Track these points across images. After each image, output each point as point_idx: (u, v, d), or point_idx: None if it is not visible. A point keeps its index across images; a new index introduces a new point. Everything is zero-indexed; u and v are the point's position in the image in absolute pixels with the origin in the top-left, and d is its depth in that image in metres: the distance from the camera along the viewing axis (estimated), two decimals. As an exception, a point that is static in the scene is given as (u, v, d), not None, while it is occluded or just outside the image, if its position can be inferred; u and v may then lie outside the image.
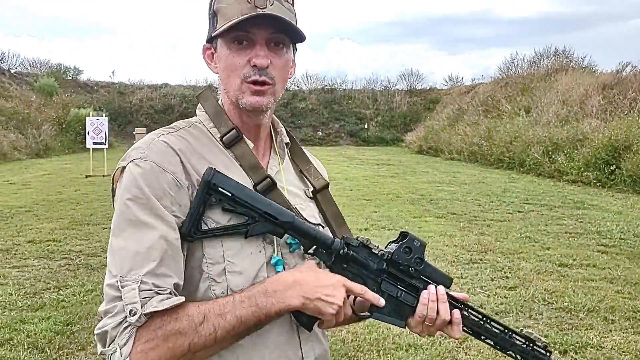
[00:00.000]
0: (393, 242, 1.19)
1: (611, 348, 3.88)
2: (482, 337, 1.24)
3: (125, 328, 0.95)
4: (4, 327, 4.13)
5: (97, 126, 15.06)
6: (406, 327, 1.21)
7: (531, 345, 1.24)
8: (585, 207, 9.72)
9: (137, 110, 30.56)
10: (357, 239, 1.16)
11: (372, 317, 1.18)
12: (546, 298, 4.91)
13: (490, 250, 6.60)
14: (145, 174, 1.04)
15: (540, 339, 1.24)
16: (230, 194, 1.07)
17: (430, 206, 9.78)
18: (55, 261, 6.06)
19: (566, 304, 4.75)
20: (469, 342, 3.99)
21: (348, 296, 1.12)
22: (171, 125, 1.18)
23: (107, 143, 15.48)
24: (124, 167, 1.08)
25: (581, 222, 8.35)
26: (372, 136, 31.24)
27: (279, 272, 1.11)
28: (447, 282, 1.22)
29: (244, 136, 1.18)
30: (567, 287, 5.18)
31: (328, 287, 1.06)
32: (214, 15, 1.13)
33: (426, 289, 1.19)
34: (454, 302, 1.22)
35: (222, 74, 1.15)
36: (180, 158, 1.08)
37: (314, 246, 1.14)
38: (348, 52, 60.89)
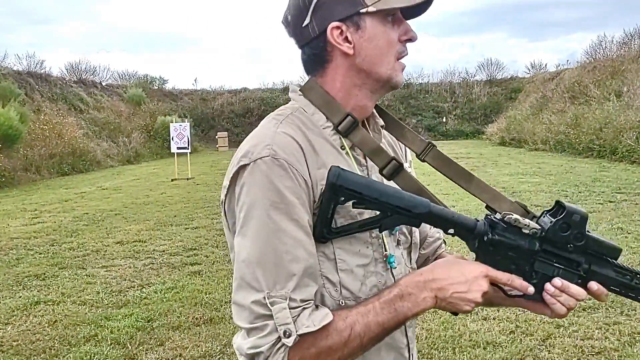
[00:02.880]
0: (548, 212, 1.06)
1: None
2: None
3: (279, 348, 0.94)
4: (90, 324, 4.36)
5: (180, 132, 15.66)
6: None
7: None
8: (686, 194, 8.96)
9: (219, 115, 31.60)
10: (503, 218, 1.04)
11: (524, 298, 1.06)
12: (640, 293, 4.54)
13: (578, 243, 6.21)
14: (279, 174, 0.97)
15: None
16: (358, 193, 1.01)
17: (512, 198, 9.31)
18: (140, 260, 6.35)
19: (663, 299, 4.37)
20: (553, 339, 3.77)
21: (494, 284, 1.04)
22: (279, 112, 1.11)
23: (190, 147, 16.05)
24: (246, 165, 0.99)
25: (681, 211, 7.70)
26: (450, 130, 30.49)
27: (391, 266, 1.09)
28: (614, 253, 1.05)
29: None
30: (664, 281, 4.77)
31: (463, 284, 1.00)
32: None
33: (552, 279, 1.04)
34: (623, 271, 1.06)
35: (376, 51, 1.07)
36: (304, 153, 1.03)
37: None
38: (424, 46, 59.78)
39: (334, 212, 1.02)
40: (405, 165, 1.19)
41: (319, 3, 1.06)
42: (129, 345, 3.95)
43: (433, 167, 1.18)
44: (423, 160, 1.19)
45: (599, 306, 4.31)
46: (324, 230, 1.01)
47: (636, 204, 8.38)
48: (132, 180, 15.24)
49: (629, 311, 4.19)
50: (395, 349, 1.13)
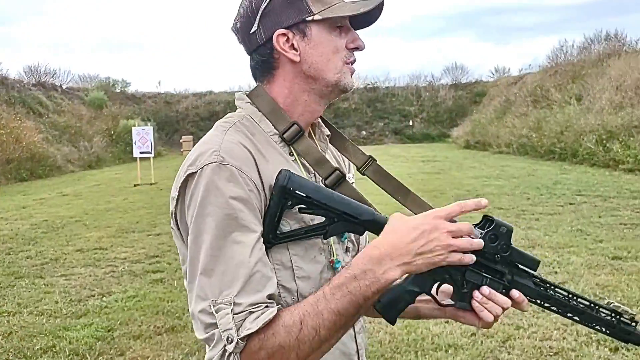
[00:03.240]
0: (476, 226, 1.08)
1: (668, 345, 3.63)
2: (569, 315, 1.14)
3: (229, 356, 0.91)
4: (48, 335, 4.23)
5: (142, 136, 15.42)
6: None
7: (617, 317, 1.15)
8: (642, 196, 9.24)
9: (183, 119, 31.24)
10: None
11: (456, 306, 1.07)
12: (597, 293, 4.65)
13: (539, 244, 6.34)
14: (227, 180, 0.96)
15: (628, 311, 1.15)
16: (307, 197, 1.01)
17: (476, 201, 9.51)
18: (100, 269, 6.20)
19: (619, 298, 4.48)
20: (512, 341, 3.82)
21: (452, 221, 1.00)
22: (226, 120, 1.11)
23: (153, 152, 15.82)
24: (193, 172, 0.98)
25: (637, 212, 7.93)
26: (417, 133, 30.84)
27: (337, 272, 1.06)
28: (534, 265, 1.10)
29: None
30: (620, 281, 4.90)
31: (422, 236, 0.95)
32: None
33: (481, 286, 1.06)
34: (541, 283, 1.12)
35: (322, 57, 1.08)
36: (254, 159, 1.02)
37: None
38: (391, 49, 60.43)
39: (281, 216, 1.01)
40: (349, 176, 1.20)
41: (266, 10, 1.07)
42: (88, 356, 3.85)
43: (372, 180, 1.19)
44: (363, 174, 1.20)
45: (558, 307, 4.39)
46: (270, 235, 1.00)
47: (595, 206, 8.61)
48: (93, 186, 14.93)
49: (586, 311, 4.28)
50: (346, 355, 1.12)
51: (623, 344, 3.62)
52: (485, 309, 1.04)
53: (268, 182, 1.02)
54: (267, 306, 0.93)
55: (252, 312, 0.92)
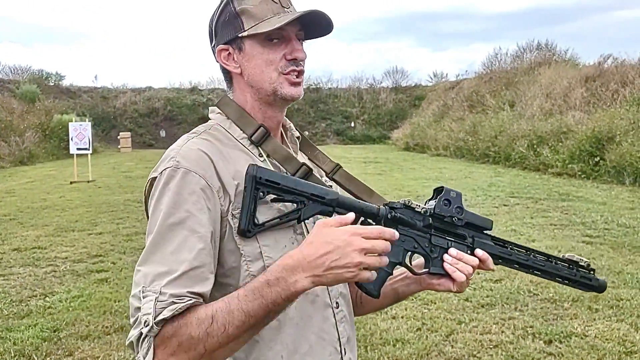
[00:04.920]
0: (430, 199, 1.22)
1: (595, 336, 3.94)
2: (530, 270, 1.26)
3: (144, 338, 0.97)
4: (-10, 336, 4.10)
5: (80, 131, 14.93)
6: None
7: (575, 267, 1.28)
8: (570, 198, 9.82)
9: (121, 115, 30.36)
10: (399, 201, 1.19)
11: (430, 271, 1.20)
12: (531, 289, 4.96)
13: (477, 244, 6.64)
14: (180, 183, 1.06)
15: (582, 259, 1.28)
16: (277, 184, 1.10)
17: (417, 202, 9.81)
18: (41, 268, 6.02)
19: (551, 294, 4.80)
20: (455, 335, 4.03)
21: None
22: (193, 131, 1.20)
23: (91, 148, 15.34)
24: (154, 177, 1.10)
25: (566, 213, 8.44)
26: (358, 134, 31.29)
27: None
28: (488, 225, 1.23)
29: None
30: (552, 278, 5.23)
31: (334, 251, 0.99)
32: (236, 17, 1.17)
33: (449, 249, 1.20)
34: (498, 242, 1.25)
35: (256, 69, 1.18)
36: (212, 161, 1.11)
37: (361, 218, 1.15)
38: (333, 51, 60.95)
39: (255, 207, 1.09)
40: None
41: (217, 27, 1.21)
42: (34, 356, 3.77)
43: (340, 183, 1.32)
44: (332, 179, 1.33)
45: (495, 303, 4.66)
46: (249, 225, 1.08)
47: (527, 207, 9.09)
48: (26, 183, 14.33)
49: (522, 307, 4.57)
50: (326, 341, 1.19)
51: (555, 336, 3.91)
52: (457, 269, 1.17)
53: (229, 181, 1.11)
54: (190, 299, 0.99)
55: (175, 303, 0.98)
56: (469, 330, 4.12)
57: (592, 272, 1.29)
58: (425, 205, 1.21)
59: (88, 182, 13.77)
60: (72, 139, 14.95)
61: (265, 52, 1.17)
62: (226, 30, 1.19)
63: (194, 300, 1.00)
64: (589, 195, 10.13)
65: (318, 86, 34.31)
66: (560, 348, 3.78)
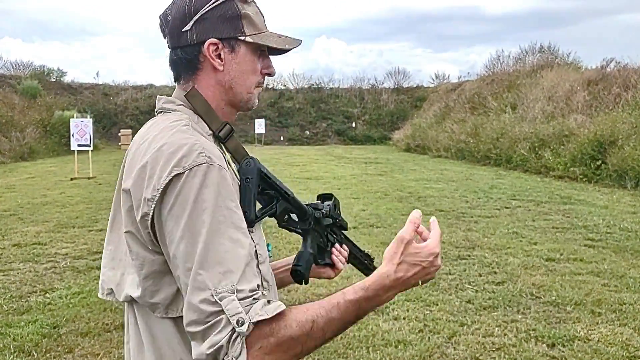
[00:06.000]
0: (318, 199, 1.42)
1: (598, 340, 3.92)
2: (354, 263, 1.55)
3: (236, 339, 0.95)
4: (-11, 332, 4.08)
5: (81, 128, 14.91)
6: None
7: (370, 259, 1.60)
8: (571, 202, 9.80)
9: (122, 112, 30.36)
10: (314, 202, 1.39)
11: (326, 262, 1.44)
12: (534, 292, 4.94)
13: (478, 246, 6.63)
14: (218, 180, 1.03)
15: (370, 254, 1.61)
16: (269, 179, 1.19)
17: (418, 203, 9.80)
18: (41, 264, 6.00)
19: (554, 297, 4.78)
20: (458, 337, 4.01)
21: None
22: (178, 121, 1.13)
23: (92, 145, 15.32)
24: (180, 173, 1.01)
25: (568, 217, 8.42)
26: (359, 135, 31.27)
27: (270, 254, 1.24)
28: (346, 226, 1.50)
29: None
30: (554, 281, 5.22)
31: (421, 272, 1.14)
32: (239, 18, 1.17)
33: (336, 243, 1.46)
34: (352, 242, 1.53)
35: (241, 75, 1.20)
36: (224, 157, 1.13)
37: (287, 217, 1.29)
38: (335, 51, 60.89)
39: (256, 197, 1.15)
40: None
41: (204, 16, 1.16)
42: (34, 353, 3.74)
43: None
44: None
45: (497, 305, 4.63)
46: (254, 215, 1.12)
47: (529, 210, 9.06)
48: (27, 179, 14.31)
49: (524, 310, 4.54)
50: None
51: (558, 340, 3.89)
52: (339, 260, 1.46)
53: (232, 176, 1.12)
54: (262, 293, 1.01)
55: (257, 300, 0.98)
56: (471, 332, 4.10)
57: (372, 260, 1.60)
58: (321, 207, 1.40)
59: (89, 178, 13.75)
60: (73, 136, 14.94)
61: (255, 62, 1.21)
62: (224, 26, 1.16)
63: (278, 302, 1.01)
64: (590, 199, 10.11)
65: (319, 86, 34.32)
66: (563, 352, 3.76)
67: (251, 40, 1.18)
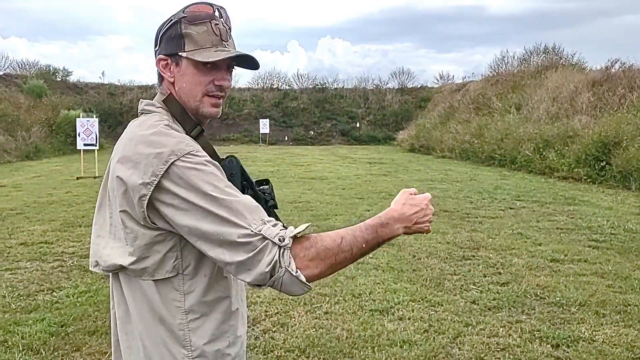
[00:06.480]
0: (261, 183, 1.56)
1: (602, 341, 3.93)
2: None
3: (284, 252, 1.20)
4: (-2, 330, 4.12)
5: (87, 127, 14.99)
6: None
7: None
8: (576, 203, 9.79)
9: (128, 111, 30.42)
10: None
11: None
12: (538, 293, 4.95)
13: (483, 246, 6.64)
14: (203, 162, 1.25)
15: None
16: (245, 172, 1.42)
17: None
18: (48, 263, 6.04)
19: (558, 298, 4.79)
20: (462, 337, 4.03)
21: None
22: (159, 120, 1.35)
23: (97, 144, 15.40)
24: (175, 161, 1.23)
25: (572, 217, 8.42)
26: (363, 135, 31.27)
27: None
28: (277, 206, 1.63)
29: None
30: (558, 282, 5.23)
31: (420, 212, 1.38)
32: (180, 37, 1.36)
33: None
34: None
35: (186, 85, 1.39)
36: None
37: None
38: (339, 51, 60.86)
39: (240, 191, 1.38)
40: None
41: (162, 37, 1.40)
42: (42, 351, 3.78)
43: None
44: None
45: (502, 306, 4.65)
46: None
47: (534, 211, 9.07)
48: (33, 178, 14.38)
49: (528, 310, 4.56)
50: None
51: (563, 341, 3.90)
52: None
53: None
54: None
55: (277, 224, 1.24)
56: (476, 333, 4.11)
57: None
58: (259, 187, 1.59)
59: (94, 177, 13.81)
60: (79, 135, 15.01)
61: (198, 74, 1.37)
62: (169, 45, 1.38)
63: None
64: (595, 200, 10.10)
65: (324, 86, 34.34)
66: (567, 352, 3.77)
67: (186, 56, 1.36)
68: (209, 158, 1.29)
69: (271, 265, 1.19)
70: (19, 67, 30.56)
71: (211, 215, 1.21)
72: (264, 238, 1.20)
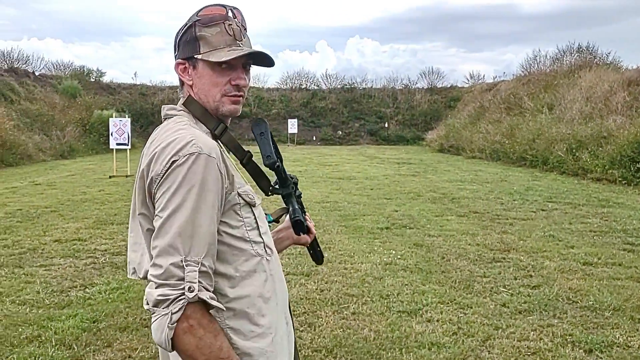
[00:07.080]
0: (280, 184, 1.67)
1: (638, 347, 3.82)
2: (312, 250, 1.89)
3: (181, 300, 1.18)
4: (32, 324, 4.22)
5: (120, 127, 15.27)
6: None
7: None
8: (610, 205, 9.57)
9: (159, 111, 30.13)
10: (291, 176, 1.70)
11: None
12: (570, 297, 4.85)
13: (513, 249, 6.54)
14: (204, 166, 1.26)
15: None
16: (273, 141, 1.58)
17: (452, 205, 9.72)
18: (81, 260, 6.17)
19: (591, 302, 4.68)
20: (492, 340, 3.97)
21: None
22: (181, 121, 1.39)
23: (130, 144, 15.67)
24: (177, 160, 1.25)
25: (606, 220, 8.22)
26: (392, 135, 31.12)
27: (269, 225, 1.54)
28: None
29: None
30: (592, 286, 5.11)
31: None
32: (195, 40, 1.40)
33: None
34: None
35: (204, 87, 1.42)
36: (220, 149, 1.35)
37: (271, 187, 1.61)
38: (368, 51, 60.64)
39: (274, 145, 1.57)
40: None
41: (180, 42, 1.45)
42: (74, 346, 3.86)
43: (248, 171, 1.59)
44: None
45: (533, 309, 4.57)
46: (275, 157, 1.53)
47: (566, 213, 8.88)
48: (66, 176, 14.71)
49: (560, 314, 4.46)
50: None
51: (596, 346, 3.81)
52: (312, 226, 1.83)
53: (230, 165, 1.37)
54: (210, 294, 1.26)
55: (210, 275, 1.25)
56: (506, 336, 4.05)
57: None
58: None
59: (126, 176, 14.06)
60: (112, 134, 15.30)
61: (214, 75, 1.40)
62: (186, 49, 1.42)
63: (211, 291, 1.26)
64: (630, 202, 9.85)
65: (352, 86, 34.28)
66: (601, 358, 3.68)
67: (201, 58, 1.39)
68: (209, 160, 1.28)
69: (163, 298, 1.19)
70: (54, 68, 31.34)
71: (168, 220, 1.23)
72: (182, 278, 1.20)
